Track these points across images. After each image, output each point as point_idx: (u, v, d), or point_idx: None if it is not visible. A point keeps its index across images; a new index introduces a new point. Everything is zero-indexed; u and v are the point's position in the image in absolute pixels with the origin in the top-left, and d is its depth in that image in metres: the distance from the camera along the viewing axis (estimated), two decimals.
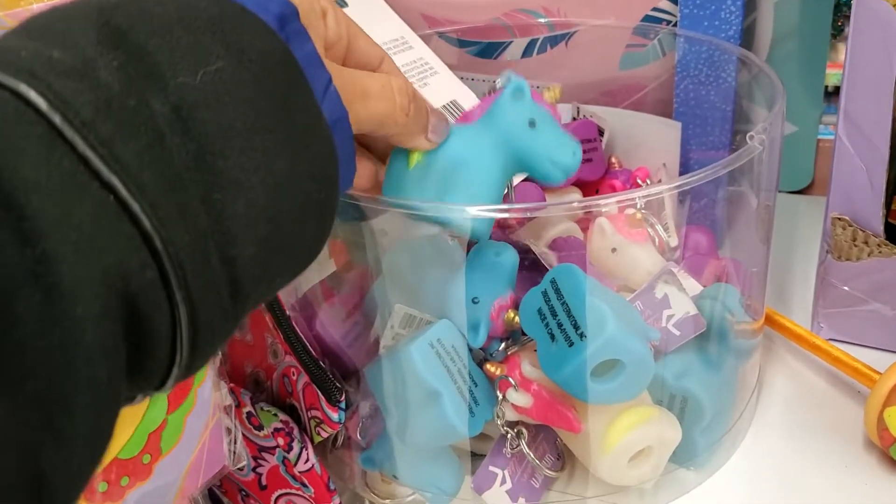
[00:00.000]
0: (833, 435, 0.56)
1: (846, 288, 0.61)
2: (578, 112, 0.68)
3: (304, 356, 0.48)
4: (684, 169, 0.66)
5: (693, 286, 0.53)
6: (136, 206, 0.26)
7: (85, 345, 0.24)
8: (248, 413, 0.52)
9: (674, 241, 0.55)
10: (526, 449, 0.49)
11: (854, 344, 0.63)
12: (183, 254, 0.27)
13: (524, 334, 0.48)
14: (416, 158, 0.44)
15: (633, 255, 0.53)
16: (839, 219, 0.58)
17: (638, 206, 0.52)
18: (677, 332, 0.50)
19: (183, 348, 0.28)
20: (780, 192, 0.81)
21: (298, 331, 0.48)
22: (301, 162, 0.31)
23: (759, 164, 0.48)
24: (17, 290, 0.23)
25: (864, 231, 0.58)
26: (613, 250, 0.53)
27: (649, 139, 0.65)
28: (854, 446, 0.55)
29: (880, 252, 0.58)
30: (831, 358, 0.59)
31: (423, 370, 0.46)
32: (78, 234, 0.24)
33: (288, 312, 0.49)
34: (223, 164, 0.28)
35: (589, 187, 0.65)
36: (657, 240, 0.55)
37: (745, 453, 0.55)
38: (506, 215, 0.45)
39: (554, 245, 0.56)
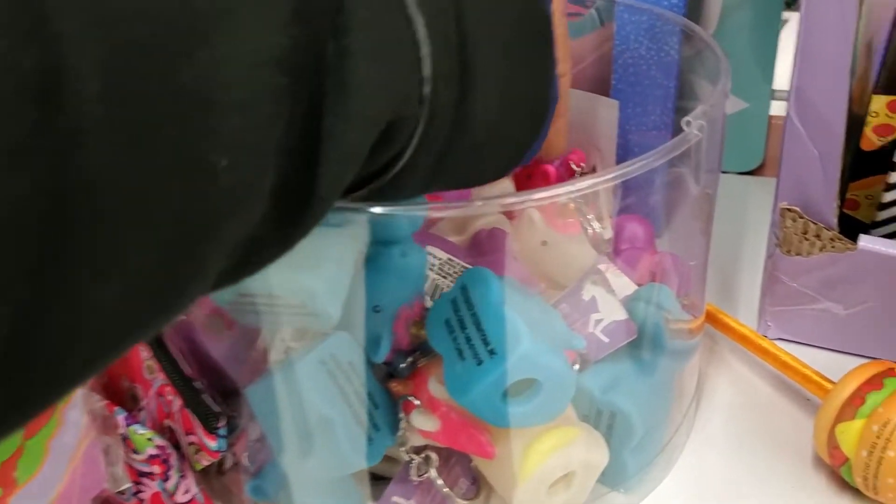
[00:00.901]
0: (779, 450, 0.51)
1: (795, 285, 0.55)
2: None
3: (174, 377, 0.41)
4: (622, 151, 0.60)
5: (625, 285, 0.48)
6: (425, 51, 0.29)
7: (355, 154, 0.27)
8: (123, 436, 0.46)
9: (608, 234, 0.50)
10: (435, 475, 0.43)
11: (803, 344, 0.58)
12: (437, 112, 0.30)
13: None
14: None
15: (565, 249, 0.48)
16: (789, 210, 0.53)
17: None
18: (606, 340, 0.45)
19: (385, 180, 0.32)
20: (728, 172, 0.77)
21: (169, 346, 0.42)
22: (526, 103, 0.36)
23: (697, 150, 0.42)
24: (317, 84, 0.25)
25: (815, 224, 0.52)
26: (544, 244, 0.48)
27: (585, 119, 0.59)
28: (802, 464, 0.50)
29: (833, 247, 0.52)
30: (779, 363, 0.54)
31: (312, 393, 0.40)
32: (379, 40, 0.27)
33: None
34: (474, 57, 0.31)
35: (520, 172, 0.59)
36: (590, 231, 0.49)
37: (682, 471, 0.50)
38: (422, 213, 0.38)
39: (476, 238, 0.50)
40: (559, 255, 0.48)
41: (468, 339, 0.39)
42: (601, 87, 0.62)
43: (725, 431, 0.52)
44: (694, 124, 0.41)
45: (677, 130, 0.59)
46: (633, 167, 0.39)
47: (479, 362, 0.38)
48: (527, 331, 0.38)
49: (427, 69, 0.29)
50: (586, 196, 0.47)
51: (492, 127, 0.33)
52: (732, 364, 0.57)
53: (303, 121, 0.25)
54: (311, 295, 0.38)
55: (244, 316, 0.40)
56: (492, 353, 0.38)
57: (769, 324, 0.58)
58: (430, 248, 0.43)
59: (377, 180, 0.32)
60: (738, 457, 0.51)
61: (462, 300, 0.40)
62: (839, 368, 0.50)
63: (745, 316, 0.59)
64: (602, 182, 0.39)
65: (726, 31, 0.71)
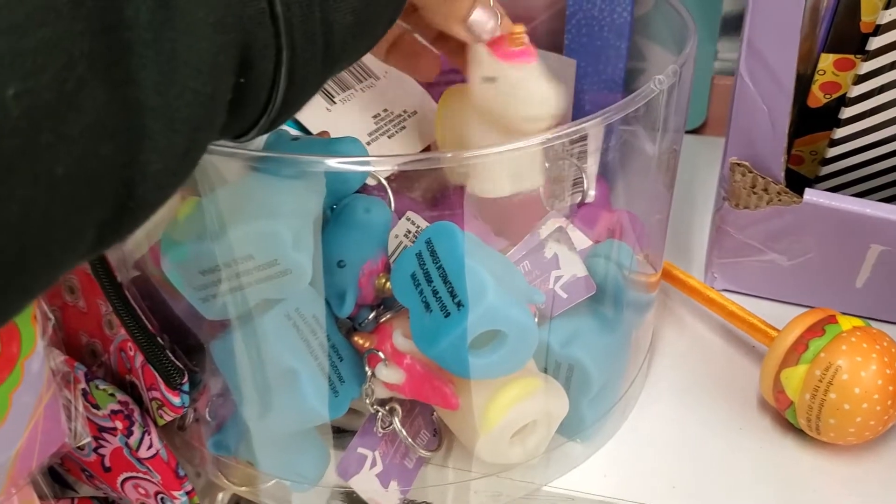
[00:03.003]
0: (727, 395, 0.50)
1: (742, 237, 0.54)
2: None
3: (136, 333, 0.39)
4: (574, 109, 0.58)
5: (581, 239, 0.46)
6: None
7: (192, 56, 0.24)
8: (83, 390, 0.43)
9: (591, 194, 0.47)
10: (399, 427, 0.41)
11: (748, 295, 0.57)
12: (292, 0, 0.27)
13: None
14: (186, 211, 0.37)
15: (516, 81, 0.40)
16: (738, 164, 0.52)
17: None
18: (564, 295, 0.43)
19: (277, 97, 0.28)
20: None
21: (132, 301, 0.39)
22: None
23: (667, 106, 0.41)
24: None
25: (763, 178, 0.51)
26: (490, 80, 0.41)
27: None
28: (748, 407, 0.50)
29: (780, 200, 0.51)
30: (726, 312, 0.53)
31: (278, 346, 0.38)
32: None
33: (120, 279, 0.39)
34: None
35: None
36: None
37: (637, 420, 0.49)
38: (375, 168, 0.36)
39: (436, 195, 0.47)
40: (511, 90, 0.40)
41: (435, 292, 0.37)
42: (552, 42, 0.59)
43: (676, 381, 0.52)
44: (666, 82, 0.39)
45: (628, 90, 0.57)
46: (609, 114, 0.37)
47: (447, 314, 0.36)
48: (492, 283, 0.36)
49: None
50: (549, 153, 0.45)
51: None
52: (683, 316, 0.57)
53: (123, 41, 0.22)
54: (282, 244, 0.36)
55: (211, 305, 0.37)
56: (459, 305, 0.36)
57: (716, 276, 0.57)
58: (409, 215, 0.41)
59: (275, 101, 0.29)
60: (689, 405, 0.50)
61: (427, 253, 0.38)
62: (782, 317, 0.49)
63: (691, 270, 0.58)
64: (577, 129, 0.36)
65: None
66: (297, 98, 0.30)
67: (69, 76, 0.20)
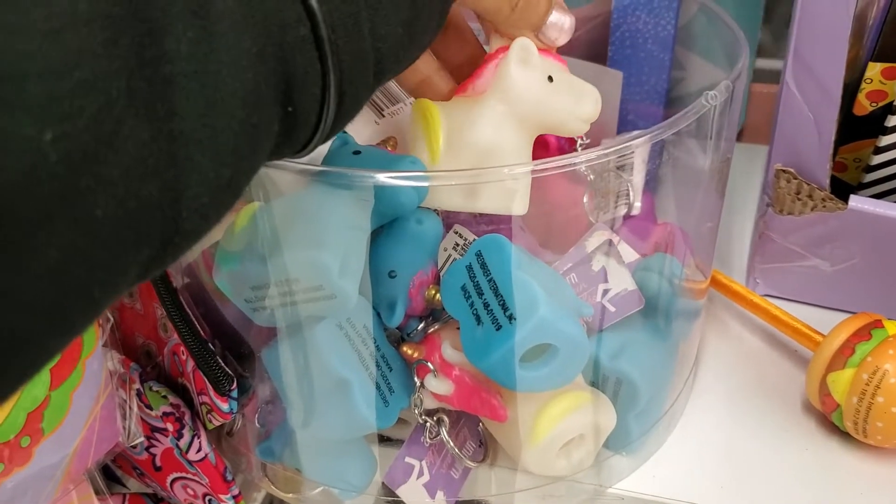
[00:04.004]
0: (771, 399, 0.49)
1: (785, 243, 0.52)
2: None
3: (188, 338, 0.38)
4: (621, 121, 0.56)
5: (628, 252, 0.44)
6: None
7: (238, 86, 0.23)
8: (138, 391, 0.43)
9: (636, 206, 0.46)
10: (446, 437, 0.40)
11: (790, 300, 0.55)
12: (336, 18, 0.26)
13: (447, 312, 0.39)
14: (242, 222, 0.35)
15: (570, 80, 0.38)
16: (784, 171, 0.50)
17: (584, 171, 0.41)
18: (613, 309, 0.41)
19: (328, 116, 0.27)
20: None
21: (185, 308, 0.38)
22: None
23: (718, 121, 0.39)
24: (169, 25, 0.21)
25: (808, 184, 0.49)
26: (550, 79, 0.38)
27: None
28: (793, 411, 0.48)
29: (825, 207, 0.49)
30: (770, 317, 0.51)
31: (331, 356, 0.36)
32: None
33: (175, 285, 0.38)
34: None
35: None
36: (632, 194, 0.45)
37: (682, 433, 0.47)
38: (425, 183, 0.35)
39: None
40: (573, 87, 0.38)
41: (486, 305, 0.36)
42: (595, 54, 0.58)
43: (722, 384, 0.50)
44: (719, 97, 0.37)
45: (671, 101, 0.55)
46: (661, 130, 0.35)
47: (499, 327, 0.35)
48: (544, 296, 0.35)
49: None
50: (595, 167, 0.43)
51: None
52: (726, 321, 0.55)
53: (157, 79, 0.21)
54: (328, 272, 0.34)
55: (261, 314, 0.36)
56: (511, 318, 0.35)
57: (758, 281, 0.56)
58: (457, 228, 0.39)
59: (326, 119, 0.28)
60: (735, 408, 0.48)
61: (478, 266, 0.37)
62: (824, 322, 0.48)
63: (732, 275, 0.56)
64: (637, 143, 0.35)
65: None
66: (349, 112, 0.29)
67: (107, 117, 0.19)
